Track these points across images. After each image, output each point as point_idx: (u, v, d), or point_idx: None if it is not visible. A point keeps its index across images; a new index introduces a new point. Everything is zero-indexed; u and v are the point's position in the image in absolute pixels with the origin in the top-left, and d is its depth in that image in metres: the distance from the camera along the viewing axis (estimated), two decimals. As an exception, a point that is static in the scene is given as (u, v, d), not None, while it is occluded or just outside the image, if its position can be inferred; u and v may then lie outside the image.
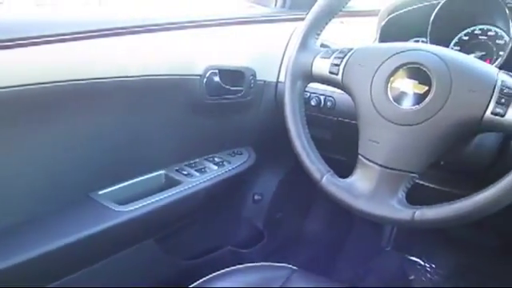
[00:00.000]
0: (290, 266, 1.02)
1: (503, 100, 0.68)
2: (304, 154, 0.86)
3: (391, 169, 0.77)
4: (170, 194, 1.08)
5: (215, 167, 1.21)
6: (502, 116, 0.68)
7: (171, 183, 1.12)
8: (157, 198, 1.05)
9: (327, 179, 0.83)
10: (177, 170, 1.17)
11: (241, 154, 1.30)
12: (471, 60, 0.78)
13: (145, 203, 1.03)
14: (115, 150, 1.03)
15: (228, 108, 1.22)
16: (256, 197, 1.51)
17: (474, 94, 0.70)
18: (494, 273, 1.58)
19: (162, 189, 1.09)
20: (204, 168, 1.20)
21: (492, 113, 0.69)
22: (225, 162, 1.24)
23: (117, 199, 1.03)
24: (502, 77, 0.72)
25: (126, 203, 1.01)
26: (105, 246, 1.01)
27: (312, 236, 1.79)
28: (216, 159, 1.25)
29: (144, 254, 1.13)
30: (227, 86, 1.15)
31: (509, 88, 0.69)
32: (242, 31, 1.25)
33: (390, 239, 1.84)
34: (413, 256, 1.77)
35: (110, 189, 1.05)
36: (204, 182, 1.15)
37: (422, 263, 1.74)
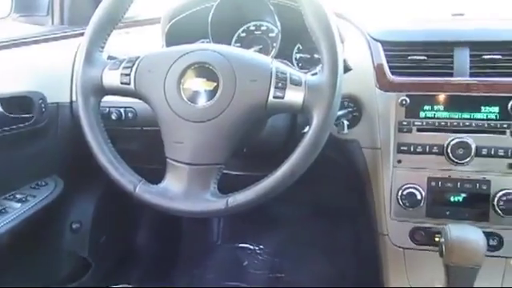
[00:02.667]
0: (123, 286, 0.98)
1: (280, 84, 0.77)
2: (112, 168, 0.84)
3: (198, 165, 0.80)
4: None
5: (18, 205, 1.09)
6: (282, 98, 0.77)
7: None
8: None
9: (140, 188, 0.83)
10: (-29, 219, 1.03)
11: (46, 184, 1.20)
12: (249, 53, 0.85)
13: None
14: None
15: (20, 139, 1.11)
16: (74, 225, 1.42)
17: (255, 83, 0.78)
18: (303, 240, 1.77)
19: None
20: (4, 208, 1.07)
21: (274, 97, 0.77)
22: (29, 197, 1.13)
23: None
24: (276, 64, 0.80)
25: None
26: None
27: (143, 250, 1.75)
28: (18, 196, 1.13)
29: None
30: (14, 115, 1.05)
31: (282, 73, 0.78)
32: (20, 54, 1.15)
33: (219, 233, 1.92)
34: (242, 243, 1.87)
35: None
36: (7, 223, 1.03)
37: (252, 247, 1.86)
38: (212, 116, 0.79)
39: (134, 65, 0.84)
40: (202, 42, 1.16)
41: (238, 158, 0.94)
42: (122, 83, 0.84)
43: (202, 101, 0.80)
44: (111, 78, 0.85)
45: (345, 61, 0.88)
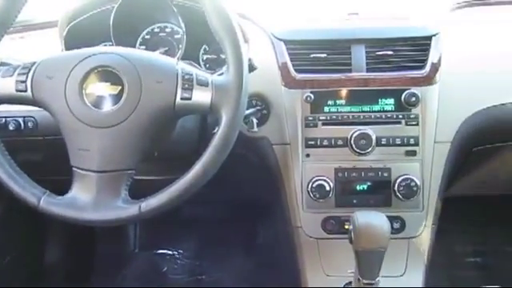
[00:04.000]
0: None
1: (187, 85, 0.77)
2: (11, 182, 0.79)
3: (107, 172, 0.78)
4: None
5: None
6: (190, 99, 0.77)
7: None
8: None
9: (45, 201, 0.79)
10: None
11: None
12: (153, 55, 0.85)
13: None
14: None
15: None
16: (-28, 249, 1.31)
17: (161, 85, 0.77)
18: (222, 240, 1.79)
19: None
20: None
21: (181, 98, 0.77)
22: None
23: None
24: (182, 65, 0.80)
25: None
26: None
27: (55, 266, 1.66)
28: None
29: None
30: None
31: (188, 74, 0.78)
32: None
33: (136, 241, 1.87)
34: (160, 249, 1.84)
35: None
36: None
37: (171, 253, 1.83)
38: (118, 120, 0.77)
39: (30, 71, 0.80)
40: (105, 45, 1.13)
41: (150, 162, 0.92)
42: (17, 91, 0.80)
43: (107, 105, 0.78)
44: (5, 86, 0.80)
45: (250, 60, 0.91)
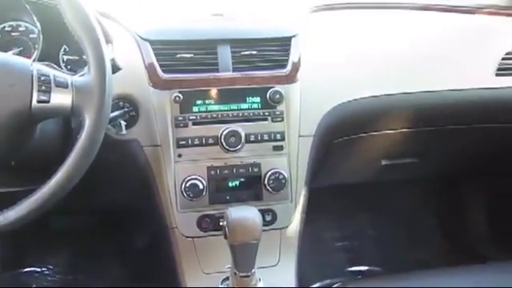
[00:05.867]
0: None
1: (44, 87, 0.73)
2: None
3: None
4: None
5: None
6: (48, 102, 0.73)
7: None
8: None
9: None
10: None
11: None
12: (5, 56, 0.79)
13: None
14: None
15: None
16: None
17: (14, 88, 0.72)
18: (96, 250, 1.71)
19: None
20: None
21: (38, 101, 0.72)
22: None
23: None
24: (37, 67, 0.75)
25: None
26: None
27: None
28: None
29: None
30: None
31: (45, 76, 0.74)
32: None
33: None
34: (27, 267, 1.70)
35: None
36: None
37: (39, 270, 1.70)
38: None
39: None
40: None
41: (6, 172, 0.85)
42: None
43: None
44: None
45: (113, 60, 0.88)
